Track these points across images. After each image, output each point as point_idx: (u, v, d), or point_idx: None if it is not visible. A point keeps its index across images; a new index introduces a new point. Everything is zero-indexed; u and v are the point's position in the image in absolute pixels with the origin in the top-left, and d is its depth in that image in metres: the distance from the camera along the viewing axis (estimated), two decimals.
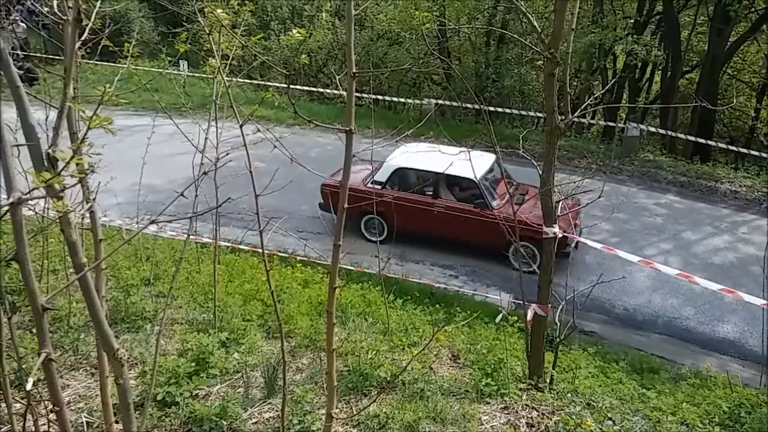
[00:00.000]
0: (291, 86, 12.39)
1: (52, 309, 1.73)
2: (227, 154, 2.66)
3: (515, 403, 4.34)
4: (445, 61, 14.63)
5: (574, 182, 4.88)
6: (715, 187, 11.75)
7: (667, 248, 9.03)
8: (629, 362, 6.01)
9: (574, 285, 5.58)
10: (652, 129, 14.91)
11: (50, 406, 3.41)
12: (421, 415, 4.04)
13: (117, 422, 2.97)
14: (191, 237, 4.68)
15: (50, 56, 13.08)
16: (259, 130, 2.72)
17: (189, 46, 3.70)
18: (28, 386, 1.44)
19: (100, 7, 2.86)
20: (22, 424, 2.35)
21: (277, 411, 4.01)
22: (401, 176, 8.81)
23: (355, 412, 4.08)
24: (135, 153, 5.89)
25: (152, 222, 1.96)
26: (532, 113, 15.26)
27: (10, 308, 3.68)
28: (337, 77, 2.80)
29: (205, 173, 2.40)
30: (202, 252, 6.89)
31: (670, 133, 14.04)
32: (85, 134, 1.87)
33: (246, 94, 15.34)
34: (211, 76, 4.86)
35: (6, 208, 1.76)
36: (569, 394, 4.55)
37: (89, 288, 2.33)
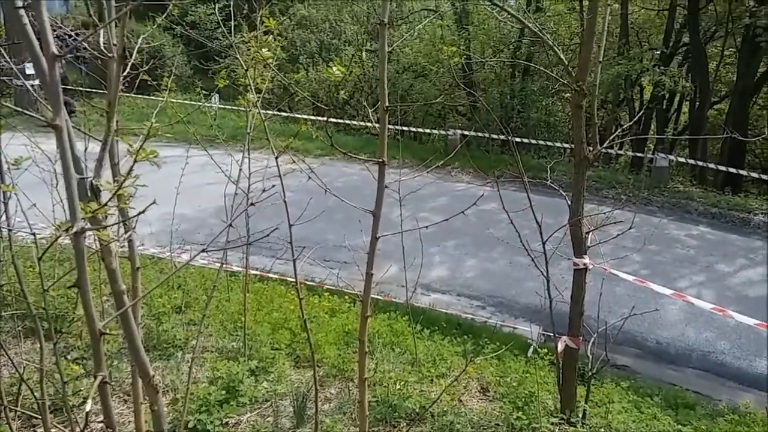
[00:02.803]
0: (326, 119, 12.77)
1: (108, 333, 1.79)
2: (273, 186, 2.75)
3: None
4: (472, 93, 14.77)
5: (604, 213, 4.85)
6: (747, 218, 11.51)
7: (700, 280, 8.84)
8: (663, 397, 5.85)
9: (605, 317, 5.49)
10: (682, 159, 14.76)
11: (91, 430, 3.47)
12: None
13: None
14: (222, 266, 4.79)
15: (89, 90, 13.56)
16: (294, 161, 2.81)
17: (226, 81, 3.84)
18: (87, 407, 1.49)
19: (138, 45, 3.00)
20: None
21: None
22: None
23: None
24: (168, 183, 6.02)
25: (203, 251, 2.03)
26: (558, 144, 15.23)
27: (56, 334, 3.79)
28: (370, 111, 2.87)
29: (252, 204, 2.48)
30: (231, 280, 6.97)
31: (699, 163, 13.87)
32: (132, 167, 1.95)
33: (279, 125, 15.72)
34: (243, 110, 5.02)
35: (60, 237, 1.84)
36: (602, 429, 4.45)
37: (128, 315, 2.39)
